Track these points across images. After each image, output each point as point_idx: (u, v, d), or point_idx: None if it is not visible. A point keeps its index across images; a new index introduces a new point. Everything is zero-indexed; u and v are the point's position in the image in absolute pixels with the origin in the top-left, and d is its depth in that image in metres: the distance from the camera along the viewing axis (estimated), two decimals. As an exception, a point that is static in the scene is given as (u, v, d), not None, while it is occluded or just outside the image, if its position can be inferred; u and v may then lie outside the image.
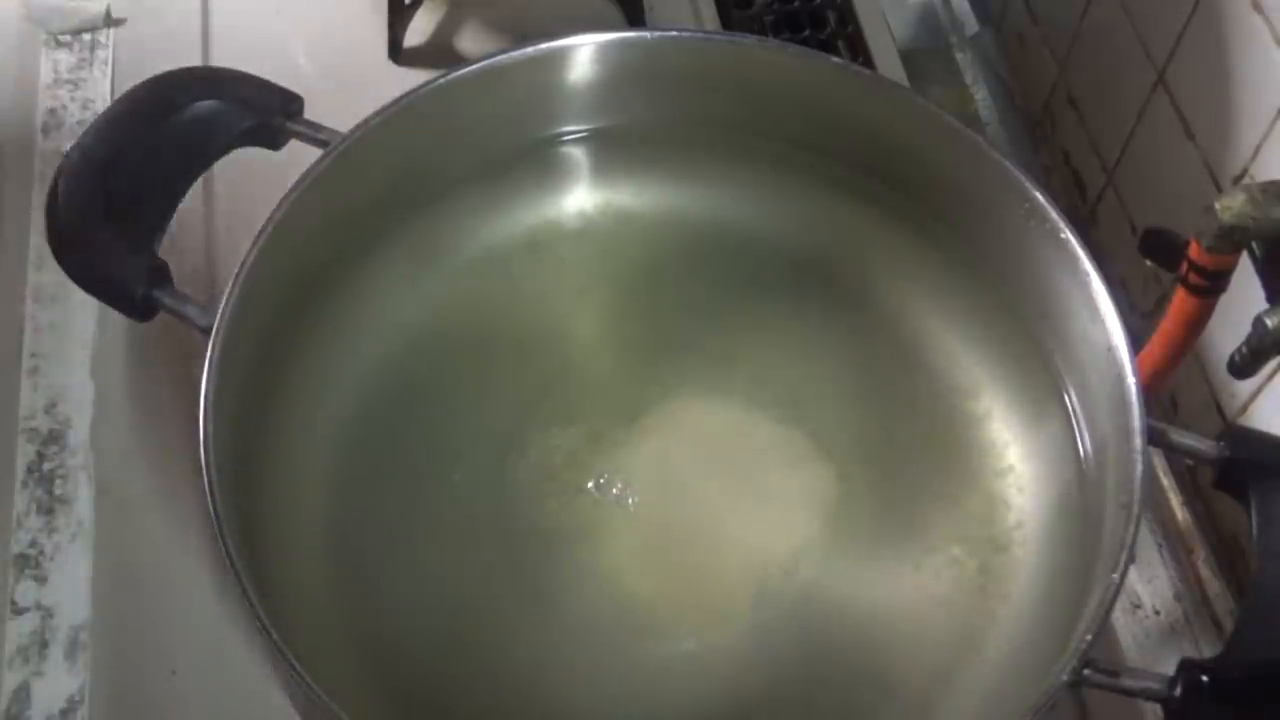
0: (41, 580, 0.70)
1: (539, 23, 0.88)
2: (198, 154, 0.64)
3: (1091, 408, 0.62)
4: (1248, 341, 0.57)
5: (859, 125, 0.69)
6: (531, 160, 0.72)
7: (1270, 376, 0.67)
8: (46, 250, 0.62)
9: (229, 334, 0.59)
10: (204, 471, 0.55)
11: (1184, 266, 0.59)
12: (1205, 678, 0.51)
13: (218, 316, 0.59)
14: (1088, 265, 0.61)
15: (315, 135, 0.65)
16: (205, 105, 0.64)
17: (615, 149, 0.72)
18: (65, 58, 0.89)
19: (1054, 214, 0.62)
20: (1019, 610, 0.61)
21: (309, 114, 0.66)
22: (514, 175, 0.71)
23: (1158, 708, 0.53)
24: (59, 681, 0.67)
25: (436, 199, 0.70)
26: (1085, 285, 0.61)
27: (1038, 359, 0.66)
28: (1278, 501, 0.55)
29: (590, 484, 0.64)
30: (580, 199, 0.72)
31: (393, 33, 0.89)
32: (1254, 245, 0.57)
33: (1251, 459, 0.57)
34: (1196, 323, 0.61)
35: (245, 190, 0.65)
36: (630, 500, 0.63)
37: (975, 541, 0.63)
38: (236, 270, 0.60)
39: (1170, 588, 0.72)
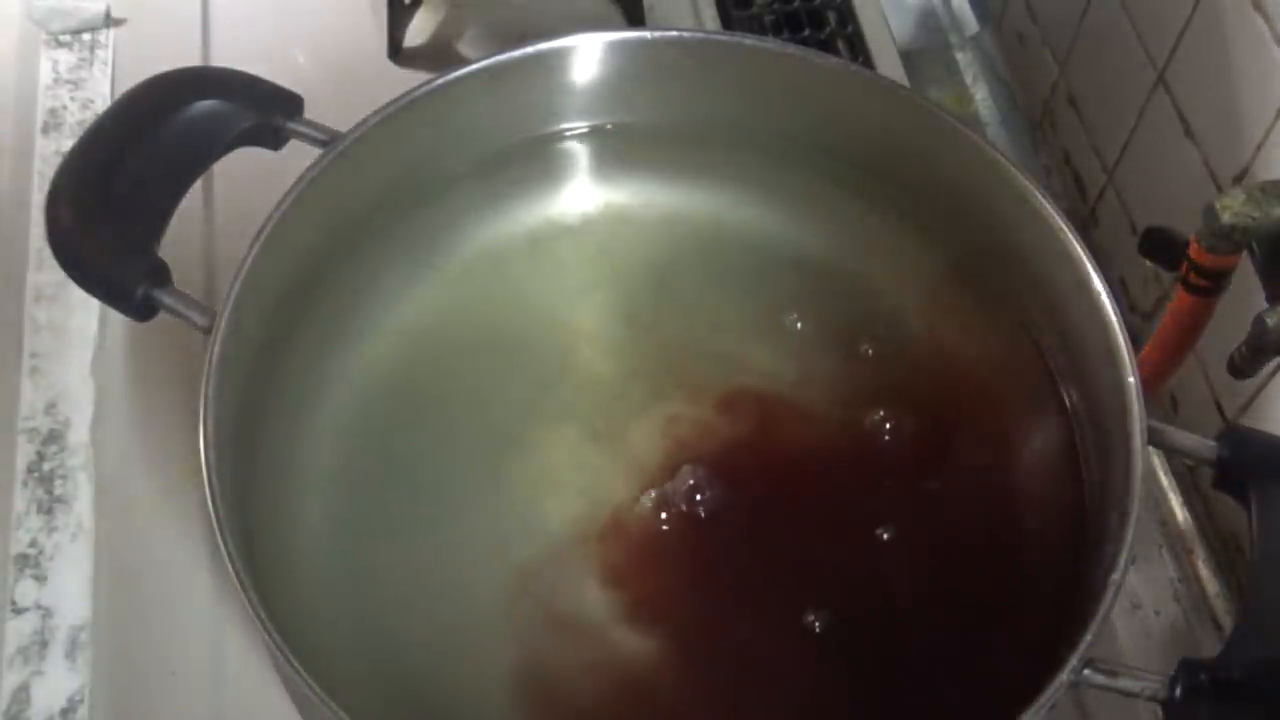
0: (41, 580, 0.70)
1: (539, 23, 0.89)
2: (198, 154, 0.64)
3: (1091, 408, 0.62)
4: (1248, 341, 0.57)
5: (859, 125, 0.69)
6: (531, 159, 0.72)
7: (1270, 376, 0.67)
8: (46, 250, 0.62)
9: (229, 334, 0.59)
10: (204, 471, 0.55)
11: (1184, 266, 0.59)
12: (1205, 678, 0.51)
13: (218, 316, 0.59)
14: (1088, 265, 0.61)
15: (315, 135, 0.65)
16: (205, 105, 0.64)
17: (615, 148, 0.73)
18: (65, 58, 0.89)
19: (1054, 214, 0.62)
20: (1019, 611, 0.61)
21: (309, 114, 0.66)
22: (514, 174, 0.71)
23: (1158, 708, 0.53)
24: (59, 681, 0.67)
25: (436, 198, 0.70)
26: (1085, 285, 0.61)
27: (1038, 359, 0.66)
28: (1278, 502, 0.55)
29: (590, 484, 0.64)
30: (580, 198, 0.72)
31: (393, 33, 0.89)
32: (1254, 245, 0.57)
33: (1251, 459, 0.57)
34: (1196, 323, 0.61)
35: (245, 190, 0.65)
36: (630, 500, 0.63)
37: (975, 543, 0.63)
38: (236, 270, 0.60)
39: (1170, 588, 0.72)
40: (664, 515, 0.62)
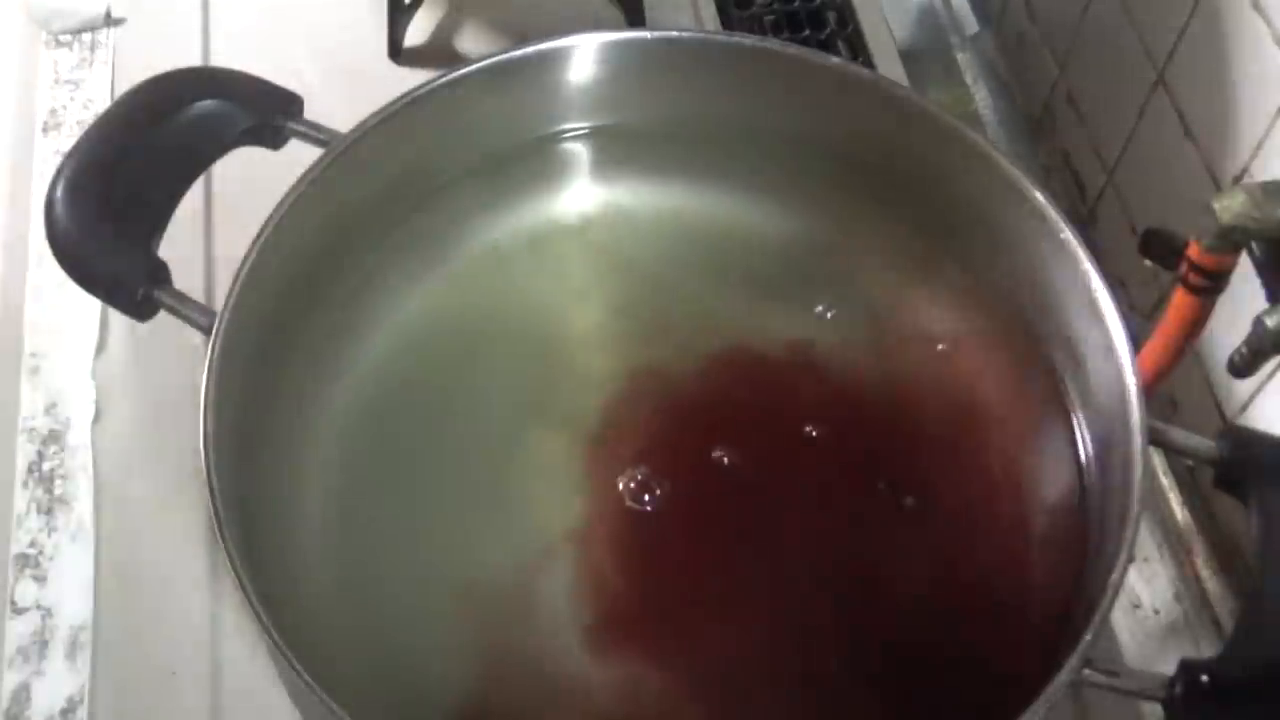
0: (41, 580, 0.70)
1: (539, 23, 0.89)
2: (198, 154, 0.64)
3: (1091, 408, 0.62)
4: (1248, 341, 0.57)
5: (858, 125, 0.69)
6: (531, 159, 0.72)
7: (1270, 376, 0.67)
8: (46, 250, 0.62)
9: (229, 334, 0.59)
10: (204, 471, 0.55)
11: (1184, 266, 0.59)
12: (1205, 678, 0.51)
13: (218, 316, 0.59)
14: (1088, 265, 0.61)
15: (315, 135, 0.65)
16: (205, 105, 0.64)
17: (615, 148, 0.73)
18: (65, 58, 0.89)
19: (1054, 214, 0.62)
20: (1019, 610, 0.61)
21: (309, 114, 0.66)
22: (514, 174, 0.71)
23: (1158, 708, 0.53)
24: (59, 681, 0.67)
25: (436, 198, 0.70)
26: (1085, 285, 0.61)
27: (1038, 359, 0.66)
28: (1278, 501, 0.55)
29: (588, 483, 0.64)
30: (580, 197, 0.72)
31: (393, 33, 0.89)
32: (1254, 245, 0.57)
33: (1251, 459, 0.57)
34: (1196, 323, 0.61)
35: (245, 190, 0.65)
36: (629, 499, 0.63)
37: (974, 542, 0.63)
38: (236, 270, 0.60)
39: (1170, 588, 0.72)
40: (666, 515, 0.63)
